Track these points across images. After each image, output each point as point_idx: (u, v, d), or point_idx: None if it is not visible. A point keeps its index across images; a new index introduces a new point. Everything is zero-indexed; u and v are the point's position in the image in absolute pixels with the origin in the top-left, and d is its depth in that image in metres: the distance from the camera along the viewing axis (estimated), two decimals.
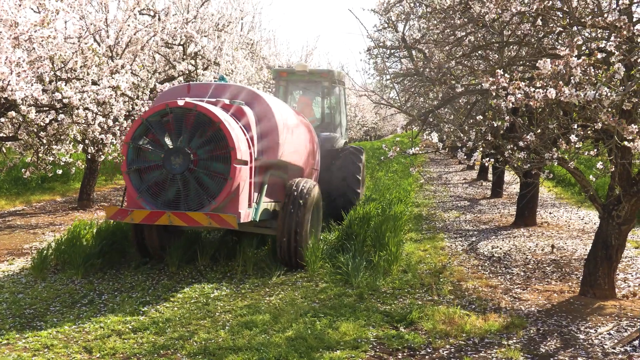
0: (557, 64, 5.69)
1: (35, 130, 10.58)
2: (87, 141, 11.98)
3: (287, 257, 9.50)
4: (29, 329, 6.84)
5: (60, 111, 10.38)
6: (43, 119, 10.08)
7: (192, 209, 8.45)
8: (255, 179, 9.12)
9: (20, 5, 9.05)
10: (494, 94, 6.15)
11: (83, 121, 10.75)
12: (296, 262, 9.48)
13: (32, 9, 10.29)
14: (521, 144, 7.09)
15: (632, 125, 5.69)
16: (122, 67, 12.09)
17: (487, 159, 7.79)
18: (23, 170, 11.05)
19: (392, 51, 13.08)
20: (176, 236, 10.22)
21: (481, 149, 7.66)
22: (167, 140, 8.75)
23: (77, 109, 10.31)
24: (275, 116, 9.51)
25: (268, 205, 9.67)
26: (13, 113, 9.88)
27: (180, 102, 8.52)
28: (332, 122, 14.42)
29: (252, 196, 9.08)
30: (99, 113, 11.04)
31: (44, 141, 10.69)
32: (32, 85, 8.97)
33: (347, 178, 13.34)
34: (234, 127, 8.70)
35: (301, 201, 9.47)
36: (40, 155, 11.16)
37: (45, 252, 9.21)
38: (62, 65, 10.09)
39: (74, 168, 11.93)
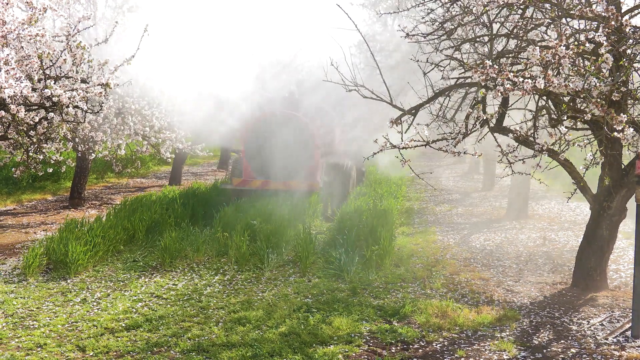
0: (546, 53, 5.69)
1: (25, 129, 10.49)
2: (77, 139, 11.91)
3: (332, 212, 13.34)
4: (22, 328, 6.82)
5: (50, 110, 10.31)
6: (33, 117, 10.00)
7: (288, 179, 13.27)
8: (320, 159, 13.79)
9: (7, 4, 8.97)
10: (482, 84, 6.14)
11: (73, 119, 10.68)
12: (340, 215, 12.55)
13: (19, 7, 10.21)
14: (511, 135, 7.09)
15: (621, 114, 5.70)
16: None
17: (478, 152, 7.80)
18: (13, 169, 10.94)
19: (382, 45, 13.13)
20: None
21: (474, 141, 7.66)
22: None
23: (67, 107, 10.24)
24: (331, 120, 14.66)
25: (326, 177, 14.08)
26: (2, 112, 9.80)
27: (278, 112, 14.03)
28: None
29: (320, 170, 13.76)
30: (88, 111, 10.96)
31: (34, 140, 10.61)
32: (21, 82, 8.89)
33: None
34: (314, 126, 13.69)
35: (344, 175, 14.18)
36: (30, 154, 11.06)
37: (37, 251, 9.17)
38: (51, 64, 10.03)
39: (64, 166, 11.83)
